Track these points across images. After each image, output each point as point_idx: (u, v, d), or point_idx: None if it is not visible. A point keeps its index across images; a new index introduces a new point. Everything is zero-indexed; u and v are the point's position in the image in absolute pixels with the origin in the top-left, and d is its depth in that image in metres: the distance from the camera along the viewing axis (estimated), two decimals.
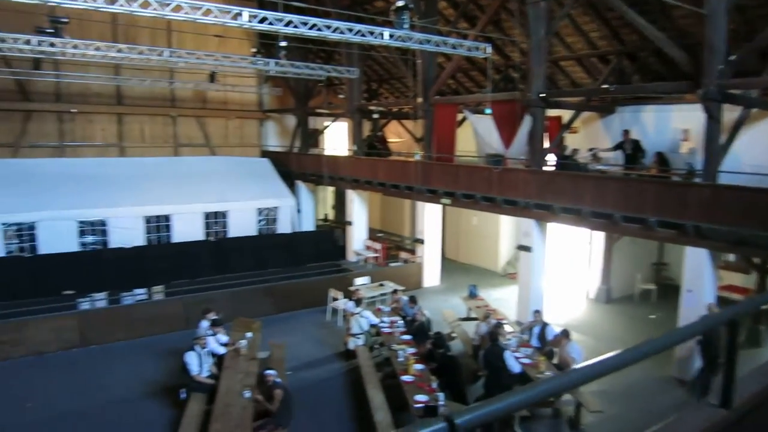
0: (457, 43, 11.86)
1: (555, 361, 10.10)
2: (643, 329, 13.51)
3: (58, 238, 15.79)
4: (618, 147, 13.92)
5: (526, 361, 9.67)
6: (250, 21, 9.08)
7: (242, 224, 19.05)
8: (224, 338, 10.69)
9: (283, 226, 20.13)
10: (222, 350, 10.04)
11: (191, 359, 9.25)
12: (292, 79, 20.44)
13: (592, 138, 15.86)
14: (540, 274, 13.76)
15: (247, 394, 8.37)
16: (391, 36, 10.53)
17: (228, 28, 10.44)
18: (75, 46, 12.98)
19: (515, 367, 9.27)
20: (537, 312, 11.47)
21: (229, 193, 19.20)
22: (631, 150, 13.64)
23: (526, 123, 13.36)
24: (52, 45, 12.50)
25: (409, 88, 18.64)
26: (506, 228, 18.68)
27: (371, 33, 10.38)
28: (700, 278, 10.50)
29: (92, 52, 13.48)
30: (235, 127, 22.84)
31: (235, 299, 13.74)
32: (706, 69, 9.85)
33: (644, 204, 10.74)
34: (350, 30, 10.16)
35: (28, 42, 12.22)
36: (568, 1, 12.73)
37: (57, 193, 16.53)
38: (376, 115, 21.00)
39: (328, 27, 9.91)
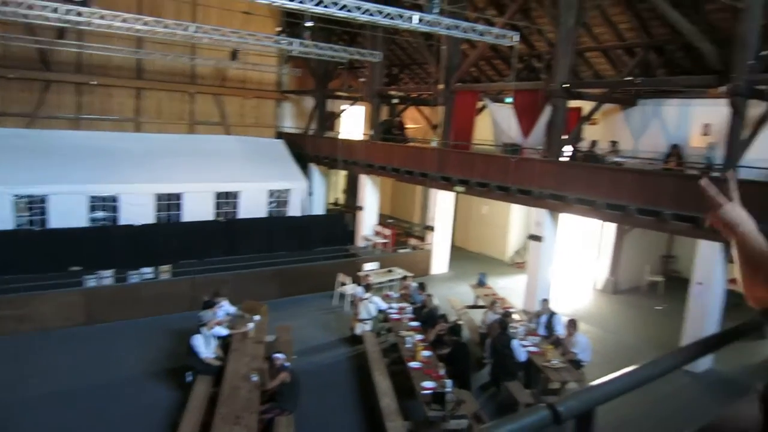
0: (485, 30, 11.75)
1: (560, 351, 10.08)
2: (649, 320, 13.51)
3: (68, 212, 15.73)
4: None
5: (533, 349, 9.66)
6: None
7: (253, 206, 19.04)
8: (231, 308, 10.69)
9: (294, 209, 20.12)
10: (225, 332, 9.88)
11: (198, 342, 9.17)
12: (313, 60, 20.34)
13: (611, 130, 15.70)
14: (549, 263, 13.72)
15: (254, 377, 8.36)
16: (420, 20, 10.43)
17: (254, 5, 10.39)
18: (102, 17, 12.87)
19: (521, 355, 9.31)
20: (545, 301, 11.45)
21: (241, 174, 19.17)
22: None
23: (546, 113, 13.22)
24: (79, 14, 12.43)
25: (430, 74, 18.48)
26: (516, 217, 18.60)
27: (400, 16, 10.27)
28: (711, 272, 10.54)
29: (118, 23, 13.32)
30: (252, 106, 22.77)
31: (243, 281, 13.61)
32: (736, 64, 9.71)
33: (661, 196, 10.70)
34: (380, 12, 10.06)
35: (55, 10, 12.13)
36: None
37: (70, 167, 16.43)
38: (395, 100, 20.86)
39: (359, 8, 9.81)
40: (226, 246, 17.06)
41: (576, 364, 9.52)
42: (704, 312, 10.59)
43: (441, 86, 16.35)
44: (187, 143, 19.94)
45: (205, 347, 9.25)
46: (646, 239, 15.49)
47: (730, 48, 10.01)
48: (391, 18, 10.34)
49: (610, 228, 15.42)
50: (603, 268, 15.95)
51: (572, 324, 10.13)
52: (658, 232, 12.97)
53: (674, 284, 15.12)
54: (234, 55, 18.88)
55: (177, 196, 17.75)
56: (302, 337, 11.50)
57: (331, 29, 19.20)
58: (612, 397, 1.24)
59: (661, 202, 10.69)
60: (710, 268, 10.58)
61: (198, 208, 17.90)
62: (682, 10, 11.41)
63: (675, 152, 13.29)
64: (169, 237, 16.32)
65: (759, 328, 1.68)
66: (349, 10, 9.77)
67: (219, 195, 18.55)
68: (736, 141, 10.03)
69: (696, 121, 14.00)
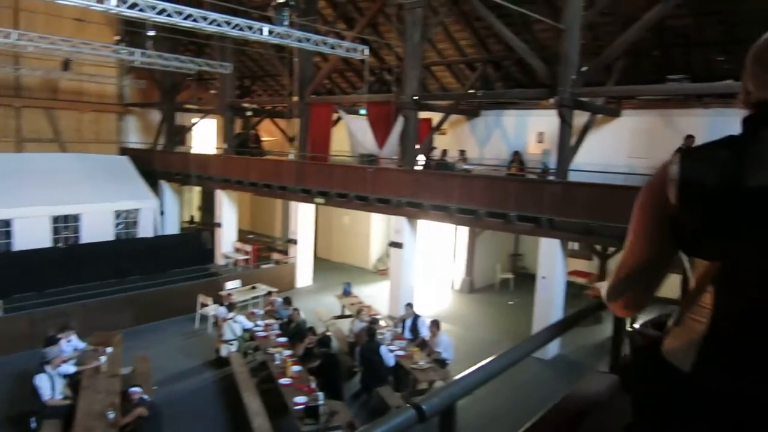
0: (335, 44, 11.92)
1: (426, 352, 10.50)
2: (503, 315, 14.53)
3: None
4: None
5: (401, 353, 9.94)
6: (118, 5, 8.37)
7: (97, 228, 17.46)
8: (80, 343, 9.77)
9: (145, 230, 18.82)
10: (72, 370, 8.94)
11: (42, 382, 8.19)
12: (158, 71, 19.26)
13: (459, 140, 16.77)
14: (410, 269, 14.24)
15: (111, 414, 7.67)
16: (270, 32, 10.31)
17: (87, 12, 9.60)
18: None
19: (390, 360, 9.55)
20: (408, 305, 11.85)
21: (81, 195, 17.49)
22: None
23: (399, 124, 13.77)
24: None
25: (284, 87, 18.37)
26: (377, 226, 19.09)
27: (250, 28, 10.08)
28: (553, 266, 11.61)
29: None
30: (91, 121, 20.98)
31: (91, 312, 12.36)
32: (561, 78, 10.86)
33: (506, 200, 11.64)
34: (228, 23, 9.79)
35: None
36: (443, 8, 13.36)
37: None
38: (249, 113, 20.43)
39: (205, 18, 9.46)
40: (70, 274, 15.46)
41: (441, 363, 9.96)
42: (549, 303, 11.63)
43: (295, 98, 16.34)
44: (14, 163, 17.74)
45: (50, 388, 8.30)
46: (496, 240, 16.66)
47: (556, 64, 11.16)
48: (240, 29, 10.12)
49: (464, 231, 16.39)
50: (459, 269, 16.87)
51: (435, 325, 10.61)
52: (506, 232, 14.09)
53: (523, 280, 16.40)
54: (66, 65, 17.31)
55: (5, 223, 15.81)
56: (163, 365, 10.78)
57: (177, 39, 18.36)
58: (470, 390, 1.33)
59: (507, 205, 11.64)
60: (552, 263, 11.65)
61: (32, 235, 16.01)
62: (515, 29, 12.53)
63: (516, 158, 14.51)
64: None
65: (595, 313, 1.92)
66: (195, 20, 9.41)
67: (56, 219, 16.79)
68: (566, 147, 11.21)
69: (532, 130, 15.42)
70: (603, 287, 1.47)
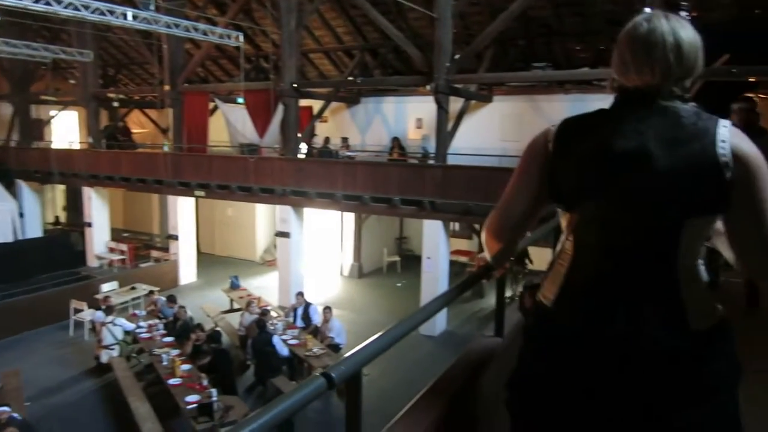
0: (207, 30, 11.47)
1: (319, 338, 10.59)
2: (392, 297, 14.94)
3: None
4: None
5: (294, 342, 9.94)
6: None
7: None
8: None
9: (3, 235, 17.12)
10: None
11: None
12: (5, 59, 17.38)
13: (340, 127, 16.86)
14: (299, 257, 14.21)
15: None
16: (134, 17, 9.68)
17: None
18: None
19: (283, 350, 9.52)
20: (299, 294, 11.85)
21: None
22: None
23: (279, 112, 13.58)
24: None
25: (153, 75, 17.35)
26: (262, 216, 18.75)
27: (111, 12, 9.40)
28: (436, 246, 12.14)
29: None
30: None
31: None
32: (436, 66, 11.28)
33: (389, 185, 11.96)
34: (86, 7, 9.05)
35: None
36: None
37: None
38: (115, 104, 19.09)
39: (59, 2, 8.69)
40: None
41: (335, 348, 10.10)
42: (435, 281, 12.14)
43: (167, 87, 15.55)
44: None
45: None
46: (381, 225, 17.05)
47: (431, 52, 11.57)
48: (101, 14, 9.43)
49: (350, 218, 16.58)
50: (347, 255, 17.06)
51: (327, 310, 10.72)
52: (391, 217, 14.46)
53: (409, 262, 16.93)
54: None
55: None
56: (35, 378, 9.95)
57: (27, 24, 16.69)
58: (373, 357, 1.43)
59: (390, 190, 11.96)
60: (435, 244, 12.16)
61: None
62: (390, 17, 12.81)
63: (396, 144, 14.89)
64: None
65: (477, 283, 2.12)
66: (47, 3, 8.63)
67: None
68: (443, 132, 11.70)
69: (411, 116, 15.88)
70: (486, 256, 1.67)
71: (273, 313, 11.43)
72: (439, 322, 12.20)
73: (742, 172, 1.22)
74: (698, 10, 10.81)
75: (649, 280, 1.30)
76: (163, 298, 12.26)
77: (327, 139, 15.34)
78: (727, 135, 1.23)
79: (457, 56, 11.44)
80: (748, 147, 1.25)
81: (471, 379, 2.05)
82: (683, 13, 1.48)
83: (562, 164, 1.36)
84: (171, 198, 16.33)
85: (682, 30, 1.27)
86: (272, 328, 10.21)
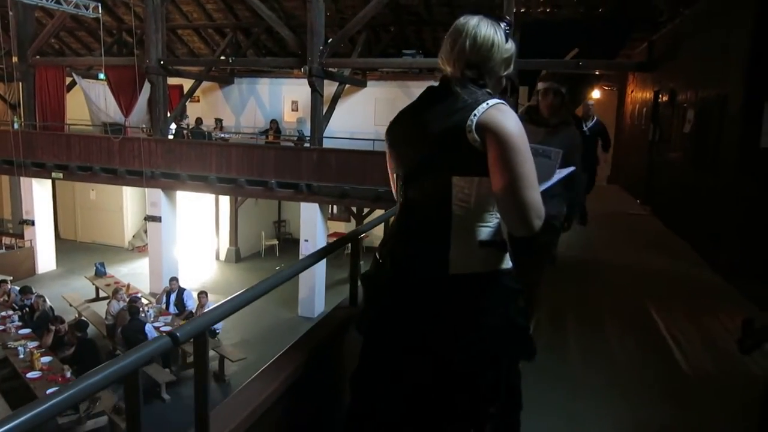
0: None
1: None
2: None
3: None
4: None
5: (166, 329, 9.70)
6: None
7: None
8: None
9: None
10: None
11: None
12: None
13: (213, 108, 16.38)
14: (172, 242, 13.74)
15: None
16: None
17: None
18: None
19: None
20: (173, 279, 11.53)
21: None
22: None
23: (146, 90, 12.96)
24: None
25: None
26: (131, 200, 17.80)
27: None
28: (314, 229, 12.32)
29: None
30: None
31: None
32: (310, 49, 11.34)
33: (266, 168, 11.94)
34: None
35: None
36: None
37: None
38: None
39: None
40: None
41: (211, 333, 9.99)
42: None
43: (15, 59, 14.17)
44: None
45: None
46: (259, 209, 16.90)
47: (304, 35, 11.60)
48: None
49: (225, 201, 16.25)
50: (223, 239, 16.73)
51: (203, 295, 10.58)
52: (268, 200, 14.38)
53: (288, 245, 17.03)
54: None
55: None
56: None
57: None
58: (218, 320, 1.62)
59: (266, 173, 11.94)
60: (313, 226, 12.31)
61: None
62: None
63: (272, 126, 14.79)
64: None
65: (335, 250, 2.37)
66: None
67: None
68: (319, 115, 11.82)
69: (287, 99, 15.81)
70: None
71: (144, 300, 11.04)
72: (317, 305, 12.43)
73: (488, 141, 1.47)
74: (549, 7, 11.85)
75: (428, 226, 1.61)
76: (17, 288, 11.37)
77: (199, 120, 14.85)
78: (483, 109, 1.49)
79: (330, 40, 11.59)
80: (497, 120, 1.47)
81: (327, 338, 2.36)
82: (503, 24, 1.67)
83: None
84: (25, 180, 14.97)
85: (484, 28, 1.57)
86: (143, 315, 9.90)
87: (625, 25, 10.64)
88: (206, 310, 8.84)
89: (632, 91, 12.32)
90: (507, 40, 1.61)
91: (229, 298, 1.69)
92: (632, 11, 10.17)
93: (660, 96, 9.15)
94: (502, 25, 1.61)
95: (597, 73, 12.08)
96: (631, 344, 3.74)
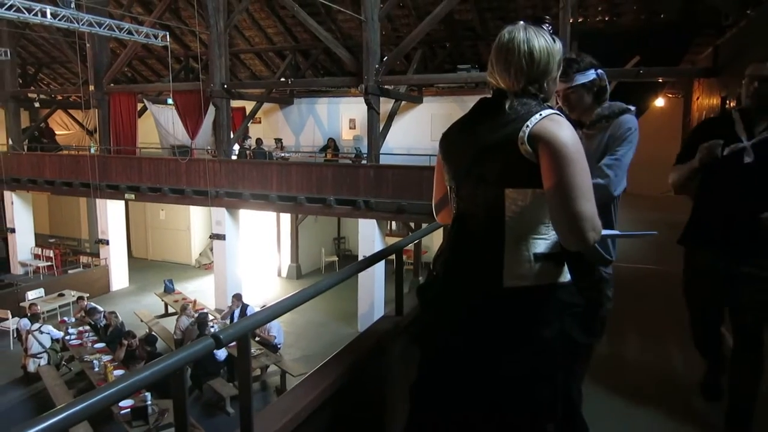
0: (133, 29, 11.27)
1: (257, 338, 10.65)
2: (331, 297, 14.82)
3: None
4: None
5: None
6: None
7: None
8: None
9: None
10: None
11: None
12: None
13: (274, 128, 16.88)
14: (235, 260, 14.14)
15: None
16: (54, 15, 9.42)
17: None
18: None
19: (221, 354, 9.51)
20: (236, 296, 11.83)
21: None
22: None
23: (211, 113, 13.50)
24: None
25: (76, 75, 16.78)
26: (197, 219, 18.49)
27: (29, 10, 9.12)
28: (372, 245, 12.35)
29: None
30: None
31: None
32: (366, 68, 11.53)
33: (324, 185, 12.17)
34: (2, 5, 8.75)
35: None
36: None
37: None
38: (36, 104, 18.32)
39: None
40: None
41: (273, 348, 10.21)
42: (371, 279, 12.34)
43: (92, 88, 15.10)
44: None
45: None
46: (319, 225, 17.16)
47: (361, 54, 11.82)
48: (18, 11, 9.14)
49: (286, 218, 16.61)
50: (285, 256, 17.07)
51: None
52: (327, 217, 14.61)
53: (348, 261, 17.08)
54: None
55: None
56: None
57: None
58: (259, 324, 1.67)
59: (324, 190, 12.16)
60: (371, 242, 12.33)
61: None
62: (319, 19, 12.97)
63: (330, 145, 15.07)
64: None
65: (386, 256, 2.37)
66: None
67: None
68: (375, 132, 11.98)
69: (344, 117, 16.09)
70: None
71: (210, 316, 11.39)
72: (377, 317, 12.43)
73: (540, 152, 1.45)
74: (608, 15, 11.59)
75: (481, 238, 1.59)
76: (93, 305, 11.99)
77: (259, 140, 15.32)
78: (536, 120, 1.46)
79: (385, 58, 11.75)
80: (550, 130, 1.44)
81: (372, 347, 2.37)
82: (546, 26, 1.52)
83: None
84: (100, 201, 15.87)
85: (535, 39, 1.53)
86: (210, 330, 10.20)
87: (687, 31, 10.27)
88: (270, 326, 9.05)
89: (698, 98, 11.81)
90: (555, 41, 1.57)
91: (271, 304, 1.75)
92: (696, 16, 9.81)
93: (728, 102, 8.73)
94: (545, 27, 1.56)
95: (660, 80, 11.70)
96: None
